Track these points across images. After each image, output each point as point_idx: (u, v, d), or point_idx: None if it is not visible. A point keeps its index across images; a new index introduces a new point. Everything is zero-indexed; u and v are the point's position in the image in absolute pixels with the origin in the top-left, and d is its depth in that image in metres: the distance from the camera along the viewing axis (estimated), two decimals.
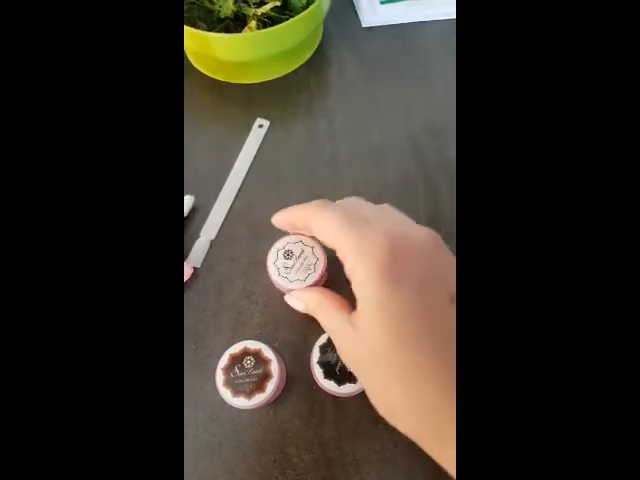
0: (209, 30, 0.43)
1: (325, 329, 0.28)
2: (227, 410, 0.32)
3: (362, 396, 0.27)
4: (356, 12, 0.53)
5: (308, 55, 0.49)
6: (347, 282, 0.26)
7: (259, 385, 0.30)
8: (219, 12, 0.45)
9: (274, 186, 0.42)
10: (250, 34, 0.42)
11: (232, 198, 0.41)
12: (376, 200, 0.30)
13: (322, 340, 0.32)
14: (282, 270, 0.30)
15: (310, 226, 0.28)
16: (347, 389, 0.30)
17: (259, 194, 0.41)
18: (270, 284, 0.32)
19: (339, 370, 0.31)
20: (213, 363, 0.31)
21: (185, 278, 0.36)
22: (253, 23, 0.43)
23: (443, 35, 0.51)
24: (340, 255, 0.26)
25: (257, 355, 0.31)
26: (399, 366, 0.24)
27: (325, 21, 0.50)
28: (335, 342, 0.27)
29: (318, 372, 0.31)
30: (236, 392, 0.30)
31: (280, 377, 0.31)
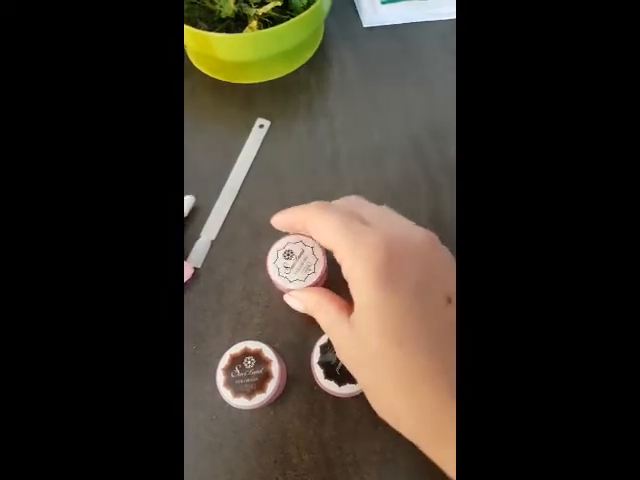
0: (210, 30, 0.43)
1: (324, 329, 0.28)
2: (227, 410, 0.32)
3: (362, 396, 0.27)
4: (357, 12, 0.53)
5: (309, 55, 0.49)
6: (346, 283, 0.26)
7: (259, 385, 0.30)
8: (220, 12, 0.45)
9: (275, 186, 0.42)
10: (251, 34, 0.42)
11: (233, 198, 0.41)
12: (377, 200, 0.30)
13: (322, 340, 0.32)
14: (282, 270, 0.30)
15: (308, 228, 0.28)
16: (347, 389, 0.30)
17: (260, 194, 0.41)
18: (271, 284, 0.32)
19: (339, 370, 0.31)
20: (213, 363, 0.31)
21: (185, 278, 0.36)
22: (254, 23, 0.43)
23: (444, 35, 0.51)
24: (337, 257, 0.26)
25: (257, 355, 0.31)
26: (396, 367, 0.24)
27: (326, 21, 0.50)
28: (333, 343, 0.27)
29: (318, 372, 0.31)
30: (236, 392, 0.30)
31: (280, 377, 0.31)
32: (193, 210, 0.40)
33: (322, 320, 0.28)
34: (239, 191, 0.41)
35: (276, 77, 0.48)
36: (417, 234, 0.27)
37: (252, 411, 0.32)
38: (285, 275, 0.30)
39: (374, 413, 0.26)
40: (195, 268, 0.37)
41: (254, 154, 0.43)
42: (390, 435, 0.31)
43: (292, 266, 0.30)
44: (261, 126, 0.45)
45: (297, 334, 0.35)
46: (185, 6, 0.45)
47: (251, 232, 0.39)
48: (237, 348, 0.31)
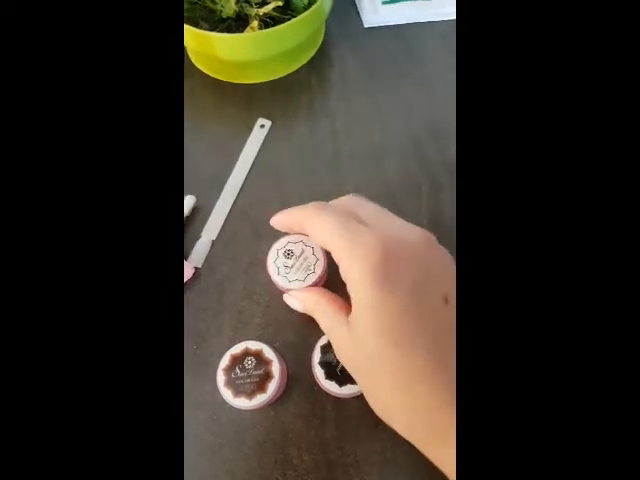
0: (211, 30, 0.43)
1: (323, 330, 0.28)
2: (228, 410, 0.32)
3: (363, 397, 0.27)
4: (358, 12, 0.53)
5: (310, 55, 0.49)
6: (345, 284, 0.26)
7: (260, 385, 0.30)
8: (221, 12, 0.45)
9: (275, 186, 0.42)
10: (252, 34, 0.42)
11: (233, 198, 0.41)
12: (377, 200, 0.30)
13: (323, 341, 0.32)
14: (282, 269, 0.30)
15: (306, 228, 0.28)
16: (348, 390, 0.30)
17: (260, 194, 0.41)
18: (271, 284, 0.32)
19: (340, 371, 0.30)
20: (214, 363, 0.31)
21: (186, 278, 0.36)
22: (255, 23, 0.43)
23: (445, 35, 0.51)
24: (335, 257, 0.26)
25: (258, 355, 0.31)
26: (393, 367, 0.24)
27: (327, 21, 0.50)
28: (332, 343, 0.27)
29: (319, 373, 0.31)
30: (237, 392, 0.30)
31: (281, 378, 0.31)
32: (194, 210, 0.40)
33: (321, 320, 0.28)
34: (240, 191, 0.41)
35: (277, 77, 0.48)
36: (414, 234, 0.27)
37: (253, 411, 0.32)
38: (285, 274, 0.30)
39: (375, 414, 0.26)
40: (196, 268, 0.37)
41: (255, 154, 0.43)
42: (391, 436, 0.31)
43: (292, 266, 0.30)
44: (262, 126, 0.45)
45: (298, 334, 0.35)
46: (186, 6, 0.45)
47: (252, 232, 0.39)
48: (238, 348, 0.31)
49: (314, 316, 0.28)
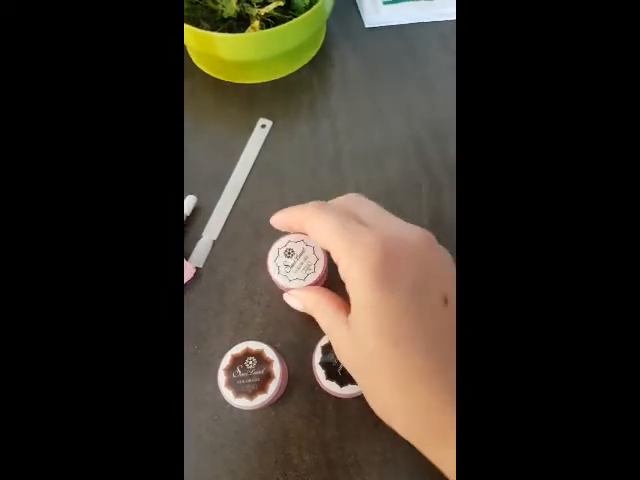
0: (212, 30, 0.43)
1: (323, 329, 0.28)
2: (229, 411, 0.32)
3: (364, 397, 0.27)
4: (359, 12, 0.53)
5: (311, 55, 0.49)
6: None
7: (261, 386, 0.30)
8: (222, 12, 0.45)
9: (277, 186, 0.42)
10: (253, 34, 0.42)
11: (234, 198, 0.41)
12: (378, 200, 0.30)
13: (324, 341, 0.32)
14: (282, 268, 0.30)
15: (305, 228, 0.28)
16: (349, 390, 0.30)
17: (262, 194, 0.41)
18: (272, 284, 0.32)
19: (341, 371, 0.30)
20: (215, 363, 0.31)
21: (187, 278, 0.36)
22: (256, 23, 0.43)
23: (446, 35, 0.51)
24: (334, 257, 0.26)
25: (259, 356, 0.31)
26: (393, 367, 0.24)
27: (328, 21, 0.50)
28: (332, 342, 0.27)
29: (320, 373, 0.31)
30: (238, 393, 0.30)
31: (282, 378, 0.31)
32: (195, 210, 0.40)
33: (320, 320, 0.28)
34: (241, 191, 0.41)
35: (278, 77, 0.48)
36: (414, 234, 0.27)
37: (253, 411, 0.32)
38: (285, 273, 0.30)
39: (375, 414, 0.26)
40: (197, 268, 0.37)
41: (256, 154, 0.43)
42: (391, 436, 0.31)
43: (292, 265, 0.30)
44: (263, 126, 0.45)
45: (299, 334, 0.35)
46: (187, 6, 0.45)
47: (253, 232, 0.39)
48: (239, 348, 0.31)
49: (314, 315, 0.28)
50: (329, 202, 0.30)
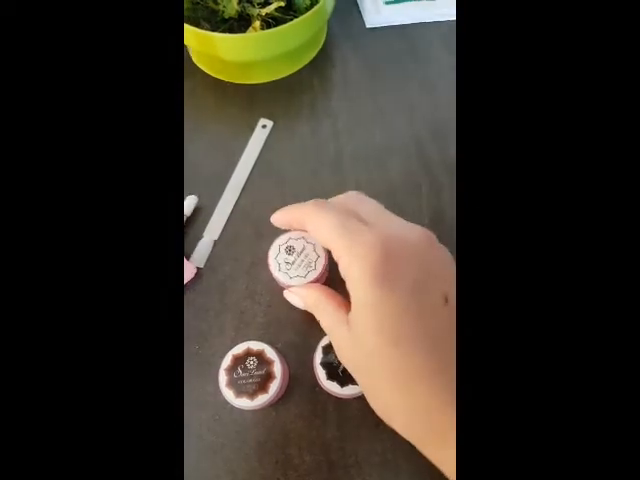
0: (213, 30, 0.43)
1: (323, 327, 0.28)
2: (230, 411, 0.32)
3: (364, 397, 0.27)
4: (360, 12, 0.53)
5: (312, 55, 0.49)
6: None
7: (262, 386, 0.30)
8: (223, 12, 0.45)
9: (277, 186, 0.42)
10: (254, 34, 0.42)
11: (235, 198, 0.41)
12: (378, 200, 0.30)
13: (325, 341, 0.32)
14: (283, 266, 0.30)
15: (306, 226, 0.28)
16: (350, 391, 0.30)
17: (262, 194, 0.41)
18: (273, 284, 0.32)
19: (342, 371, 0.30)
20: (216, 363, 0.31)
21: (188, 278, 0.36)
22: (257, 23, 0.43)
23: (447, 35, 0.51)
24: (334, 255, 0.26)
25: (260, 356, 0.31)
26: (392, 367, 0.24)
27: (329, 21, 0.50)
28: (332, 341, 0.27)
29: (321, 373, 0.31)
30: (239, 393, 0.30)
31: (283, 378, 0.31)
32: (196, 210, 0.40)
33: (320, 317, 0.28)
34: (242, 191, 0.41)
35: (279, 77, 0.48)
36: (414, 232, 0.27)
37: (254, 411, 0.32)
38: (286, 271, 0.30)
39: (376, 414, 0.26)
40: (198, 268, 0.37)
41: (257, 154, 0.43)
42: (392, 436, 0.31)
43: (293, 262, 0.30)
44: (264, 126, 0.45)
45: (300, 334, 0.35)
46: (188, 6, 0.45)
47: (254, 232, 0.39)
48: (240, 348, 0.31)
49: (314, 313, 0.28)
50: (329, 200, 0.30)
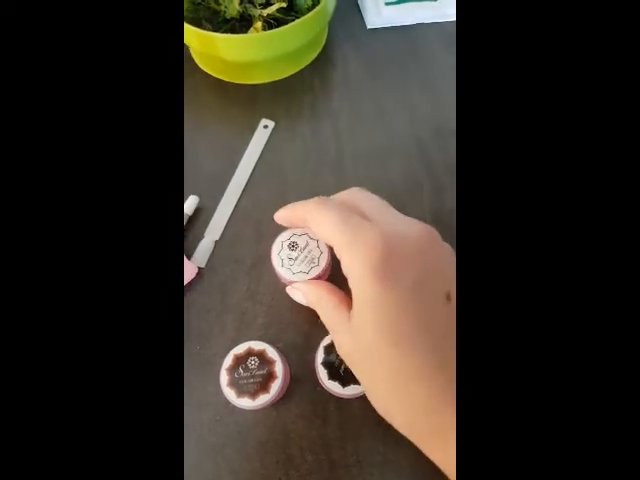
0: (215, 31, 0.43)
1: (324, 323, 0.28)
2: (231, 410, 0.32)
3: (366, 397, 0.27)
4: (361, 13, 0.53)
5: (313, 56, 0.50)
6: None
7: (263, 386, 0.30)
8: (225, 13, 0.45)
9: (279, 186, 0.42)
10: (255, 35, 0.42)
11: (237, 198, 0.41)
12: None
13: (326, 341, 0.32)
14: (286, 261, 0.30)
15: (308, 223, 0.28)
16: (351, 390, 0.30)
17: (264, 194, 0.41)
18: (275, 284, 0.32)
19: (343, 371, 0.30)
20: (217, 363, 0.31)
21: (189, 279, 0.36)
22: (259, 24, 0.43)
23: (448, 36, 0.51)
24: (336, 252, 0.26)
25: (261, 356, 0.31)
26: (392, 366, 0.24)
27: (330, 22, 0.50)
28: (333, 337, 0.27)
29: (322, 373, 0.31)
30: (240, 392, 0.30)
31: (284, 378, 0.31)
32: (197, 210, 0.40)
33: (322, 314, 0.28)
34: (243, 191, 0.41)
35: (280, 78, 0.48)
36: (417, 230, 0.27)
37: (255, 411, 0.32)
38: (289, 267, 0.30)
39: (378, 414, 0.26)
40: (199, 268, 0.37)
41: (258, 154, 0.43)
42: (393, 436, 0.31)
43: (296, 258, 0.30)
44: (265, 127, 0.45)
45: (301, 334, 0.35)
46: (190, 7, 0.45)
47: (255, 232, 0.39)
48: (241, 348, 0.31)
49: (316, 309, 0.28)
50: (332, 197, 0.30)
